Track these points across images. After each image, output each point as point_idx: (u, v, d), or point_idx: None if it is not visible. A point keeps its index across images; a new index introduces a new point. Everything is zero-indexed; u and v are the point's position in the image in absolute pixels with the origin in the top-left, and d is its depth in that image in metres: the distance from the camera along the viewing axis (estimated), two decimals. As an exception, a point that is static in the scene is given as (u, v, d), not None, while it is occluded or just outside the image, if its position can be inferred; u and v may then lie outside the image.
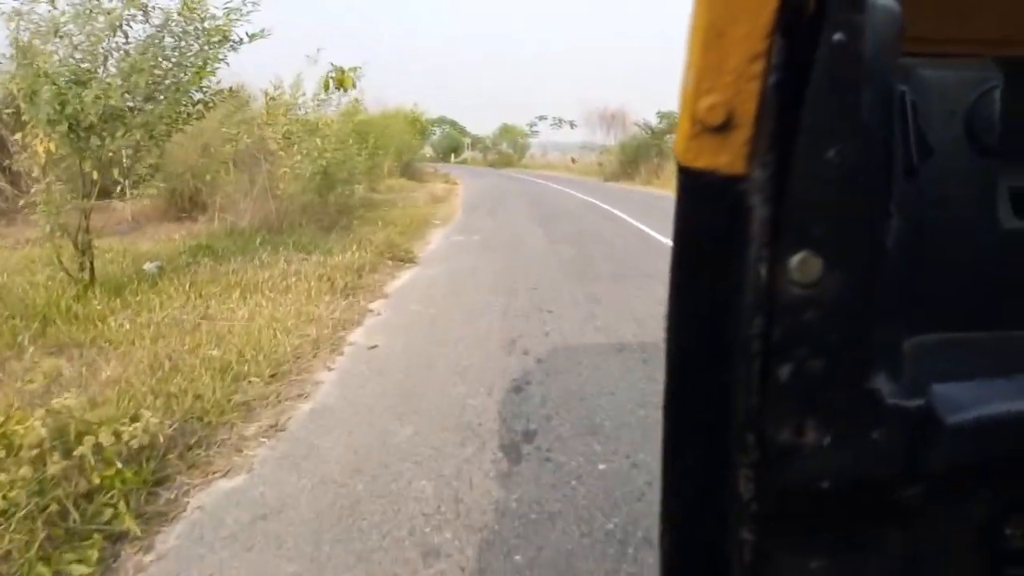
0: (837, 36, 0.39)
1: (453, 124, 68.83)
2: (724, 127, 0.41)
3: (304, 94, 8.88)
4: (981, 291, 0.53)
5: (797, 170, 0.40)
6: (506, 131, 57.62)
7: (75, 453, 2.35)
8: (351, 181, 11.44)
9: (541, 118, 59.90)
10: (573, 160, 44.76)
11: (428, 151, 71.03)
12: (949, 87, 0.52)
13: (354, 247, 7.45)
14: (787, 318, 0.41)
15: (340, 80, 12.85)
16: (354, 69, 12.89)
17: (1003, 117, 0.51)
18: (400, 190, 18.45)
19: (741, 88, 0.40)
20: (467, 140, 66.22)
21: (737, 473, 0.44)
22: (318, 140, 8.52)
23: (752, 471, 0.43)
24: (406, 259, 7.47)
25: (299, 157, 8.44)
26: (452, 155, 64.87)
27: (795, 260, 0.40)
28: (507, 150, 56.14)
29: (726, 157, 0.42)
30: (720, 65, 0.40)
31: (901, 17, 0.42)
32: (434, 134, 70.30)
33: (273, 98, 8.69)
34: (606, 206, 14.97)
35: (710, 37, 0.41)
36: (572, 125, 58.29)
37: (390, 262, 7.27)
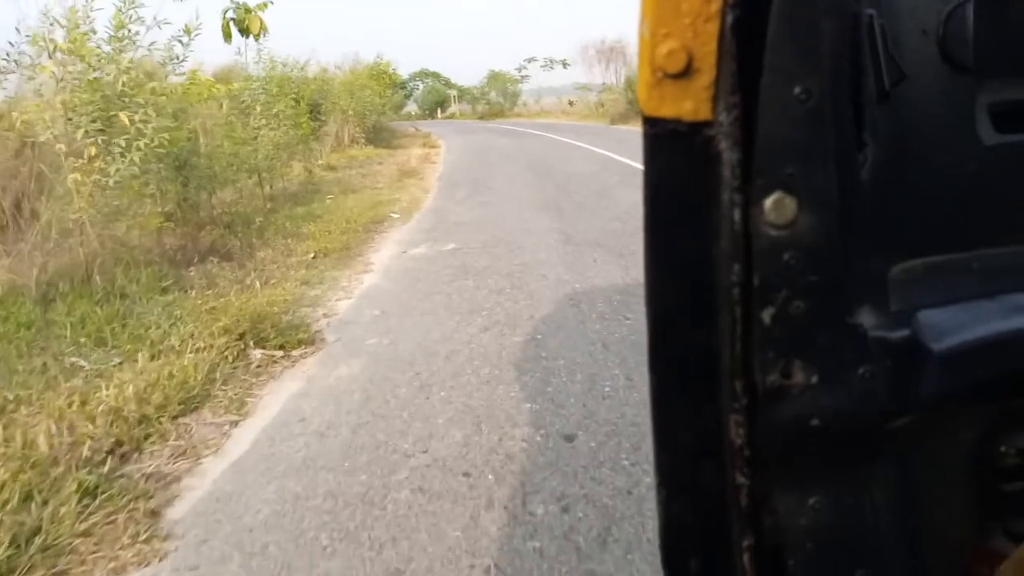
0: None
1: (436, 76, 63.74)
2: (685, 72, 0.40)
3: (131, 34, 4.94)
4: (965, 211, 0.49)
5: (763, 111, 0.40)
6: (494, 79, 52.66)
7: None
8: (256, 169, 7.60)
9: (530, 60, 55.06)
10: (571, 103, 40.24)
11: (413, 108, 66.32)
12: (919, 5, 0.48)
13: (187, 326, 3.71)
14: (765, 261, 0.41)
15: (243, 23, 8.82)
16: (263, 6, 8.85)
17: (976, 32, 0.47)
18: (362, 163, 14.56)
19: (699, 30, 0.40)
20: (453, 93, 61.27)
21: (727, 420, 0.44)
22: (148, 115, 4.64)
23: (742, 416, 0.43)
24: (290, 345, 3.68)
25: (129, 147, 4.56)
26: (439, 110, 60.13)
27: (769, 202, 0.40)
28: (497, 100, 51.35)
29: (690, 103, 0.41)
30: (675, 8, 0.40)
31: None
32: (416, 89, 65.41)
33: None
34: (628, 160, 11.12)
35: None
36: (565, 65, 53.22)
37: (255, 359, 3.53)
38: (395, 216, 7.98)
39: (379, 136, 18.86)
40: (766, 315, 0.41)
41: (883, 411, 0.43)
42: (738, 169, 0.41)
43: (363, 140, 16.97)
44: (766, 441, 0.44)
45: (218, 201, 6.97)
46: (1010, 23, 0.49)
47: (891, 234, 0.47)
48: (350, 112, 16.54)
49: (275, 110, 8.69)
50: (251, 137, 7.63)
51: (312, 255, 5.85)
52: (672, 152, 0.42)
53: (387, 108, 18.89)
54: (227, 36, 7.65)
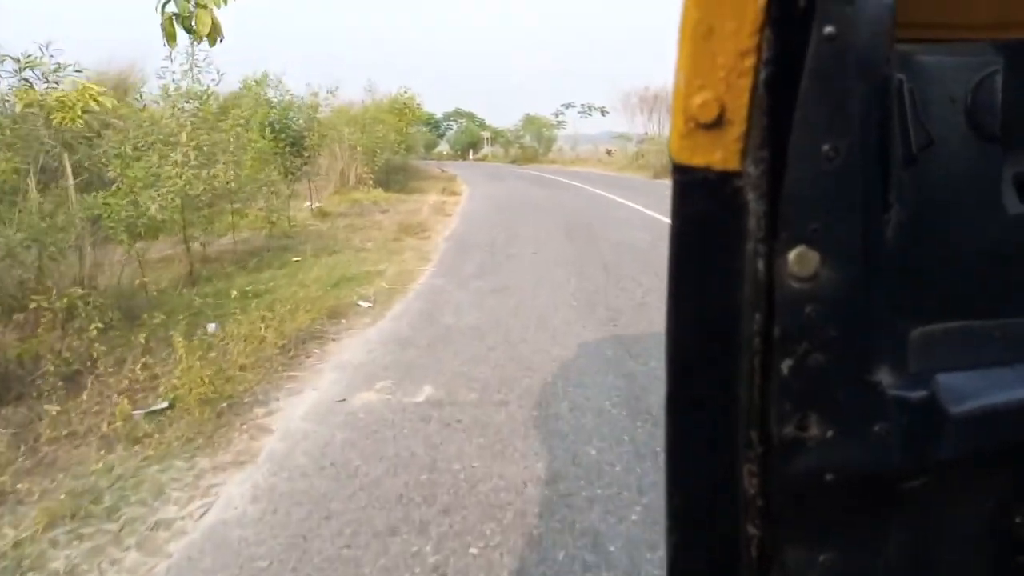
0: (828, 29, 0.39)
1: (471, 117, 62.51)
2: (717, 123, 0.41)
3: None
4: (987, 279, 0.50)
5: (791, 165, 0.40)
6: (529, 122, 50.94)
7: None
8: (150, 228, 5.09)
9: (568, 106, 52.97)
10: (609, 152, 38.04)
11: (445, 148, 65.05)
12: (948, 73, 0.49)
13: None
14: (787, 313, 0.41)
15: (187, 21, 6.45)
16: (217, 1, 6.47)
17: (1004, 102, 0.49)
18: (362, 210, 12.17)
19: (732, 84, 0.41)
20: (487, 135, 59.80)
21: (742, 469, 0.44)
22: None
23: (756, 466, 0.43)
24: None
25: None
26: (471, 152, 58.61)
27: (792, 255, 0.41)
28: (531, 144, 49.49)
29: (720, 154, 0.42)
30: (711, 61, 0.41)
31: (893, 6, 0.42)
32: (449, 129, 64.22)
33: None
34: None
35: (699, 33, 0.41)
36: (603, 112, 51.37)
37: None
38: (365, 305, 5.40)
39: (393, 178, 16.55)
40: (785, 366, 0.42)
41: (897, 470, 0.43)
42: (764, 221, 0.41)
43: (371, 181, 14.61)
44: (779, 493, 0.44)
45: (77, 272, 4.42)
46: None
47: (913, 295, 0.47)
48: (358, 149, 14.28)
49: (215, 139, 6.23)
50: (150, 177, 5.12)
51: (163, 405, 3.21)
52: (700, 200, 0.43)
53: (403, 146, 16.68)
54: (170, 38, 5.21)
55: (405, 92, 20.58)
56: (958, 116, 0.48)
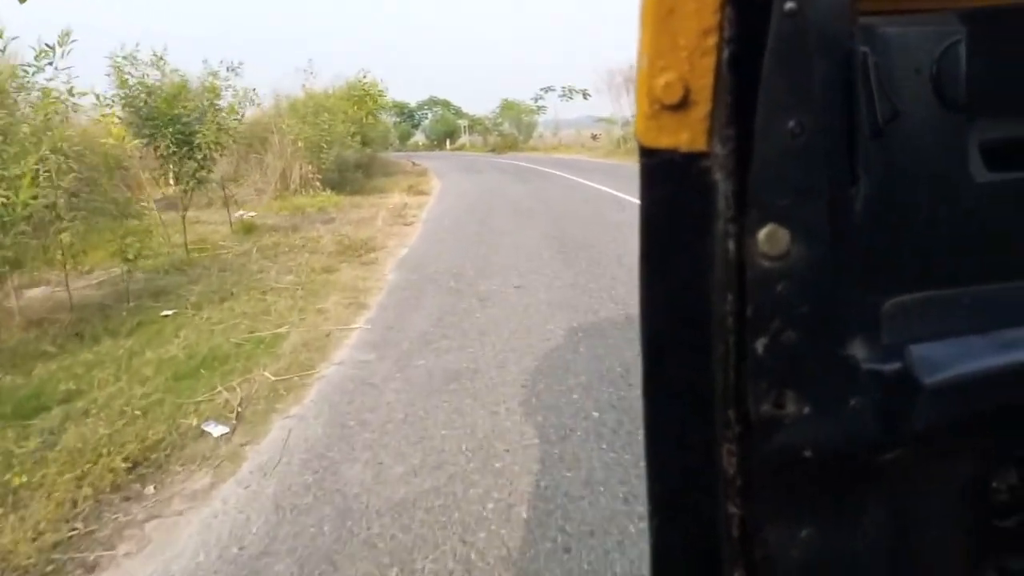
0: (789, 5, 0.39)
1: (446, 105, 59.69)
2: (682, 104, 0.41)
3: None
4: (957, 247, 0.50)
5: (757, 143, 0.40)
6: (507, 108, 48.25)
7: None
8: None
9: (547, 90, 50.28)
10: (594, 137, 35.60)
11: (421, 138, 62.20)
12: (912, 44, 0.48)
13: None
14: (759, 292, 0.41)
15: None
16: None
17: (968, 71, 0.48)
18: (301, 221, 9.70)
19: (696, 64, 0.41)
20: (464, 123, 57.09)
21: (720, 448, 0.44)
22: None
23: (735, 445, 0.43)
24: None
25: None
26: (447, 141, 55.91)
27: (762, 234, 0.41)
28: (510, 131, 46.88)
29: (686, 134, 0.42)
30: (673, 42, 0.41)
31: None
32: (425, 118, 61.35)
33: None
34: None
35: (661, 14, 0.41)
36: (585, 95, 48.75)
37: None
38: (216, 432, 2.99)
39: (349, 176, 14.05)
40: (759, 345, 0.42)
41: (874, 443, 0.44)
42: (732, 200, 0.41)
43: (319, 182, 12.11)
44: (758, 471, 0.44)
45: None
46: (1002, 62, 0.49)
47: (884, 268, 0.47)
48: (299, 144, 11.78)
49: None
50: None
51: None
52: (668, 182, 0.43)
53: (356, 139, 14.15)
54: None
55: (364, 77, 18.01)
56: (924, 87, 0.48)
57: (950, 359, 0.43)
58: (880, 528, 0.46)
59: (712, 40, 0.40)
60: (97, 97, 6.32)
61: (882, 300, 0.46)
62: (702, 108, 0.41)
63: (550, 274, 5.76)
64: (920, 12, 0.52)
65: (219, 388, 3.44)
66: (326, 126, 12.04)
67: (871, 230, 0.45)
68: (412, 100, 62.30)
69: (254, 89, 7.90)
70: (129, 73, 6.30)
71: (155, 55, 6.45)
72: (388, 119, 60.90)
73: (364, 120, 17.02)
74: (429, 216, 10.11)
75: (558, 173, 18.16)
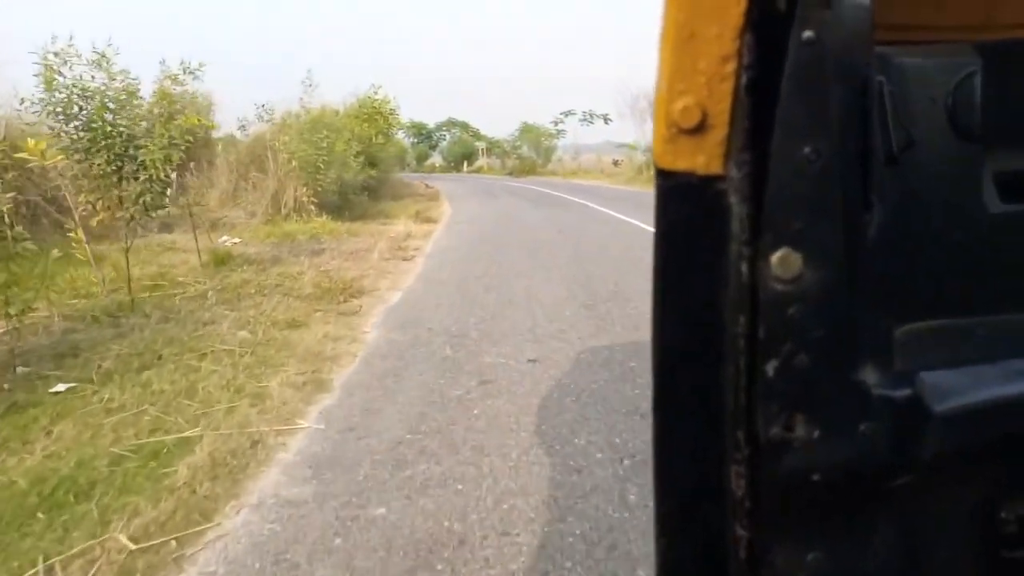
0: (807, 34, 0.40)
1: (464, 127, 59.02)
2: (699, 128, 0.41)
3: None
4: (969, 277, 0.50)
5: (773, 168, 0.41)
6: (527, 131, 47.29)
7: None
8: None
9: (568, 113, 49.29)
10: (616, 163, 34.37)
11: (438, 160, 61.46)
12: (928, 74, 0.49)
13: None
14: (771, 315, 0.41)
15: None
16: None
17: (983, 102, 0.49)
18: (287, 254, 8.43)
19: (714, 89, 0.41)
20: (482, 145, 56.27)
21: (729, 470, 0.44)
22: None
23: (743, 467, 0.43)
24: None
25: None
26: (465, 163, 55.06)
27: (775, 257, 0.41)
28: (528, 154, 45.85)
29: (703, 158, 0.42)
30: (692, 67, 0.41)
31: (871, 10, 0.43)
32: (443, 140, 60.64)
33: None
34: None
35: (681, 39, 0.41)
36: (607, 120, 47.78)
37: None
38: None
39: (351, 201, 12.85)
40: (770, 367, 0.42)
41: (883, 469, 0.43)
42: (747, 223, 0.42)
43: (314, 206, 10.89)
44: (766, 493, 0.44)
45: None
46: (1016, 94, 0.49)
47: (896, 294, 0.47)
48: (293, 164, 10.57)
49: None
50: None
51: None
52: (684, 204, 0.43)
53: (359, 159, 12.93)
54: None
55: (376, 92, 16.92)
56: (939, 116, 0.48)
57: (961, 387, 0.44)
58: (887, 553, 0.45)
59: (731, 66, 0.40)
60: (21, 102, 5.12)
61: (894, 326, 0.46)
62: (719, 132, 0.42)
63: (576, 342, 4.41)
64: (936, 43, 0.52)
65: (37, 568, 2.11)
66: (324, 144, 10.82)
67: (884, 256, 0.46)
68: (431, 121, 61.75)
69: (262, 107, 6.63)
70: (61, 74, 5.08)
71: (97, 53, 5.24)
72: (405, 140, 60.38)
73: (373, 139, 15.87)
74: (434, 249, 8.82)
75: (578, 200, 16.87)
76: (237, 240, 9.63)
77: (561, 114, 48.86)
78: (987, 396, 0.43)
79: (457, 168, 54.83)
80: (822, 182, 0.40)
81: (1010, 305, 0.48)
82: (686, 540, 0.48)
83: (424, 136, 60.51)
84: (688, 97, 0.41)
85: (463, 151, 55.95)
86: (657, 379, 0.46)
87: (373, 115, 16.14)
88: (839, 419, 0.42)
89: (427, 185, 24.74)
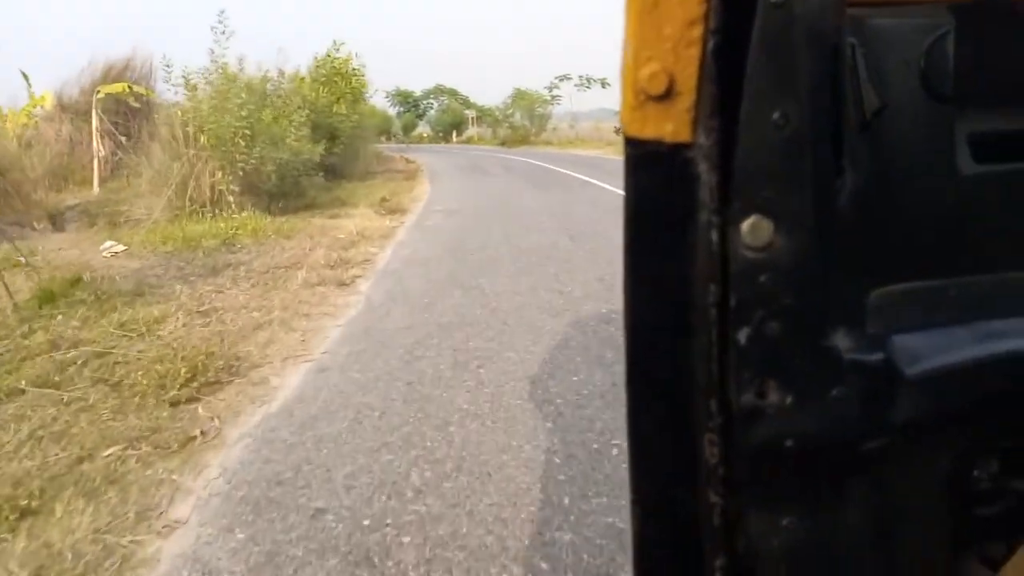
0: None
1: (453, 94, 55.47)
2: (667, 95, 0.41)
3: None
4: (942, 240, 0.50)
5: (742, 134, 0.41)
6: (519, 98, 43.92)
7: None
8: None
9: (563, 78, 45.81)
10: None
11: (426, 130, 58.05)
12: (901, 36, 0.49)
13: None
14: (742, 283, 0.41)
15: None
16: None
17: (956, 63, 0.48)
18: (144, 290, 5.65)
19: (680, 55, 0.41)
20: (472, 114, 52.92)
21: (702, 438, 0.45)
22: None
23: (716, 435, 0.44)
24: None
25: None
26: (454, 133, 51.79)
27: (746, 225, 0.41)
28: (521, 123, 42.67)
29: (671, 125, 0.42)
30: (658, 32, 0.41)
31: None
32: (430, 108, 57.14)
33: None
34: None
35: (646, 4, 0.41)
36: (604, 84, 44.48)
37: None
38: None
39: (299, 185, 10.02)
40: (742, 335, 0.42)
41: (856, 433, 0.44)
42: (716, 191, 0.41)
43: (233, 197, 8.06)
44: (740, 461, 0.44)
45: None
46: (990, 55, 0.49)
47: (868, 259, 0.47)
48: (202, 139, 7.74)
49: None
50: None
51: None
52: (652, 173, 0.43)
53: (296, 134, 9.99)
54: None
55: (337, 49, 13.92)
56: (912, 79, 0.48)
57: (932, 350, 0.44)
58: (862, 517, 0.46)
59: (697, 30, 0.40)
60: None
61: (866, 291, 0.46)
62: (687, 99, 0.41)
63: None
64: (908, 4, 0.51)
65: None
66: (244, 114, 7.96)
67: (856, 221, 0.46)
68: (417, 88, 58.20)
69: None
70: None
71: None
72: (391, 109, 56.83)
73: (333, 108, 12.96)
74: (389, 264, 6.08)
75: (583, 178, 14.06)
76: (120, 249, 6.89)
77: (556, 79, 45.27)
78: (959, 358, 0.44)
79: (446, 138, 51.55)
80: (792, 148, 0.40)
81: (982, 267, 0.49)
82: (661, 510, 0.48)
83: (411, 104, 57.00)
84: (655, 63, 0.41)
85: (452, 120, 52.56)
86: (629, 350, 0.46)
87: (332, 77, 13.20)
88: (811, 385, 0.42)
89: (407, 160, 21.83)
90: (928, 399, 0.43)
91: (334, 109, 12.92)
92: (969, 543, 0.51)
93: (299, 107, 11.33)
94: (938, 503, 0.48)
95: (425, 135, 55.31)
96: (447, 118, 52.97)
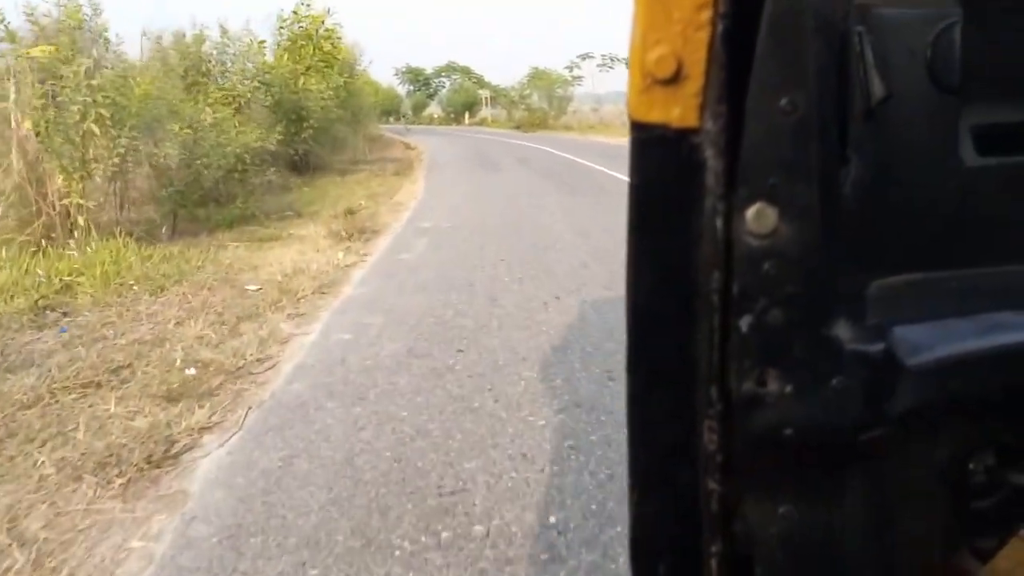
0: None
1: (466, 73, 51.99)
2: (674, 79, 0.41)
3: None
4: (945, 231, 0.49)
5: (749, 120, 0.41)
6: (537, 78, 40.42)
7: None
8: None
9: (585, 57, 42.06)
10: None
11: (436, 111, 54.78)
12: (908, 25, 0.48)
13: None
14: (745, 270, 0.42)
15: None
16: None
17: (963, 53, 0.48)
18: None
19: (689, 38, 0.40)
20: (486, 94, 49.55)
21: (702, 426, 0.45)
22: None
23: (716, 423, 0.44)
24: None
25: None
26: (466, 115, 48.55)
27: (751, 212, 0.41)
28: (540, 105, 39.29)
29: (678, 110, 0.41)
30: (667, 15, 0.40)
31: None
32: (442, 87, 53.81)
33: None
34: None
35: None
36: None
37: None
38: None
39: (229, 189, 7.05)
40: (744, 323, 0.42)
41: (856, 423, 0.44)
42: (722, 177, 0.41)
43: (81, 219, 5.07)
44: (739, 448, 0.44)
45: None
46: (997, 46, 0.49)
47: (871, 249, 0.47)
48: (29, 129, 4.78)
49: None
50: None
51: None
52: (658, 158, 0.43)
53: (210, 113, 7.10)
54: None
55: (307, 5, 10.82)
56: (918, 69, 0.47)
57: (934, 341, 0.44)
58: (858, 507, 0.46)
59: (706, 14, 0.40)
60: None
61: (868, 281, 0.47)
62: (694, 83, 0.41)
63: None
64: None
65: None
66: (95, 82, 4.93)
67: (860, 211, 0.45)
68: (428, 66, 54.72)
69: None
70: None
71: None
72: (400, 87, 53.46)
73: (299, 82, 9.92)
74: (296, 383, 3.11)
75: (619, 175, 10.96)
76: None
77: (577, 57, 41.66)
78: (960, 349, 0.44)
79: (458, 120, 48.32)
80: (798, 135, 0.40)
81: (984, 259, 0.49)
82: (659, 495, 0.48)
83: (421, 83, 53.71)
84: (663, 46, 0.40)
85: (464, 100, 49.23)
86: (632, 335, 0.46)
87: (296, 43, 10.16)
88: (812, 374, 0.42)
89: (407, 146, 18.79)
90: (928, 391, 0.44)
91: (300, 83, 9.87)
92: (963, 535, 0.51)
93: (250, 77, 8.35)
94: (935, 495, 0.49)
95: (436, 116, 52.05)
96: (459, 98, 49.60)
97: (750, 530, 0.45)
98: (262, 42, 9.54)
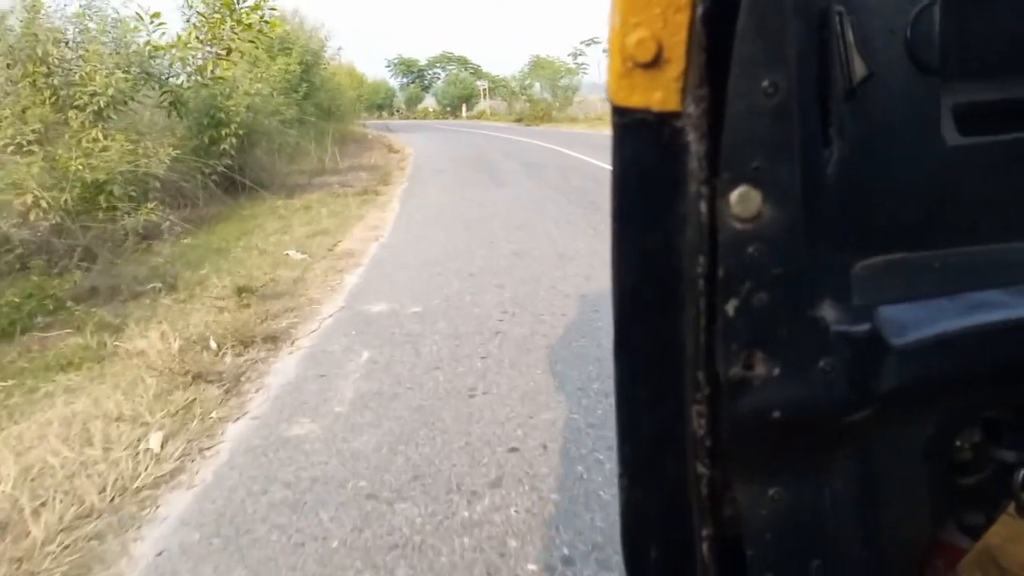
0: None
1: (463, 62, 48.79)
2: (655, 63, 0.41)
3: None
4: (928, 211, 0.50)
5: (730, 103, 0.40)
6: (539, 67, 37.20)
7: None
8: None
9: (590, 43, 38.83)
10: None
11: (431, 103, 51.60)
12: (887, 5, 0.48)
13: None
14: (730, 254, 0.41)
15: None
16: None
17: (942, 34, 0.48)
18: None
19: (669, 20, 0.40)
20: (484, 85, 46.38)
21: (690, 410, 0.44)
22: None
23: (704, 407, 0.44)
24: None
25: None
26: (463, 107, 45.42)
27: (734, 195, 0.40)
28: (542, 96, 36.13)
29: (659, 93, 0.41)
30: None
31: None
32: (436, 79, 50.61)
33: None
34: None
35: None
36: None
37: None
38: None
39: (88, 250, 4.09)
40: (730, 307, 0.41)
41: (842, 404, 0.44)
42: (705, 161, 0.41)
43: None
44: (727, 432, 0.44)
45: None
46: (976, 26, 0.48)
47: (855, 230, 0.47)
48: None
49: None
50: None
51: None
52: (640, 142, 0.42)
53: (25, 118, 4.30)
54: None
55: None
56: (897, 49, 0.47)
57: (918, 321, 0.44)
58: (847, 486, 0.46)
59: None
60: None
61: (853, 262, 0.46)
62: (675, 67, 0.40)
63: None
64: None
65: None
66: None
67: (843, 192, 0.45)
68: (422, 56, 51.47)
69: None
70: None
71: None
72: (392, 80, 50.24)
73: (209, 69, 6.94)
74: None
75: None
76: None
77: (581, 44, 38.32)
78: (945, 329, 0.43)
79: (455, 113, 45.25)
80: (780, 117, 0.40)
81: (967, 238, 0.49)
82: (649, 479, 0.48)
83: (415, 75, 50.53)
84: (643, 29, 0.39)
85: (461, 92, 46.08)
86: (618, 321, 0.45)
87: (218, 26, 7.19)
88: (798, 356, 0.42)
89: (391, 148, 15.78)
90: (914, 370, 0.43)
91: (209, 69, 6.91)
92: (949, 511, 0.51)
93: (124, 66, 5.42)
94: (921, 472, 0.48)
95: (431, 109, 48.93)
96: (455, 90, 46.45)
97: (740, 513, 0.45)
98: (156, 14, 6.61)
